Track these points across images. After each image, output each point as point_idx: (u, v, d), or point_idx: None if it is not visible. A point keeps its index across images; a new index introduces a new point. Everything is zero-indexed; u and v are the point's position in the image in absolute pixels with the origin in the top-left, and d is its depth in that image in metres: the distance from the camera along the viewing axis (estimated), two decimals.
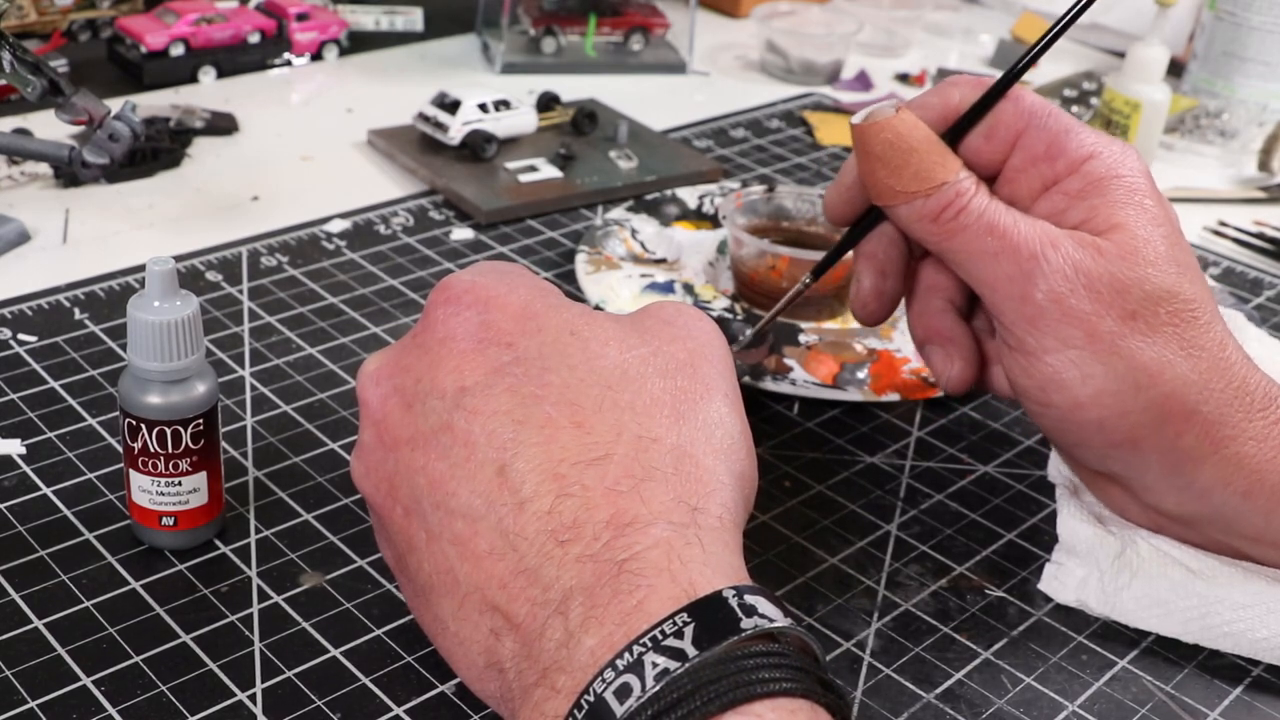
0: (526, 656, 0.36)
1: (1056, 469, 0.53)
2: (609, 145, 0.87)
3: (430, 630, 0.41)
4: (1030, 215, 0.47)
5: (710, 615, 0.33)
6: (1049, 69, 1.10)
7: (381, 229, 0.75)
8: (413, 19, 1.10)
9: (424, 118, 0.84)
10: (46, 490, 0.52)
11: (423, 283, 0.70)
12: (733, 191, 0.77)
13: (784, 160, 0.90)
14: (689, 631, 0.32)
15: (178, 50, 0.94)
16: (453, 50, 1.07)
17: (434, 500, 0.39)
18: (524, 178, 0.81)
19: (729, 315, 0.67)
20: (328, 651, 0.45)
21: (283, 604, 0.47)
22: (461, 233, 0.76)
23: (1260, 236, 0.83)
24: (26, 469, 0.53)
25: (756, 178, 0.87)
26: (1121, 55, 1.05)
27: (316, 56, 1.02)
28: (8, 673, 0.43)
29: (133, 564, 0.48)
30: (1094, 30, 1.20)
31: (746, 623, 0.33)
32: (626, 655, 0.32)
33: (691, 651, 0.32)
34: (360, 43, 1.05)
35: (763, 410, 0.61)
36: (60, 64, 0.93)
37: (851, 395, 0.61)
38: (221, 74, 0.96)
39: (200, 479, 0.48)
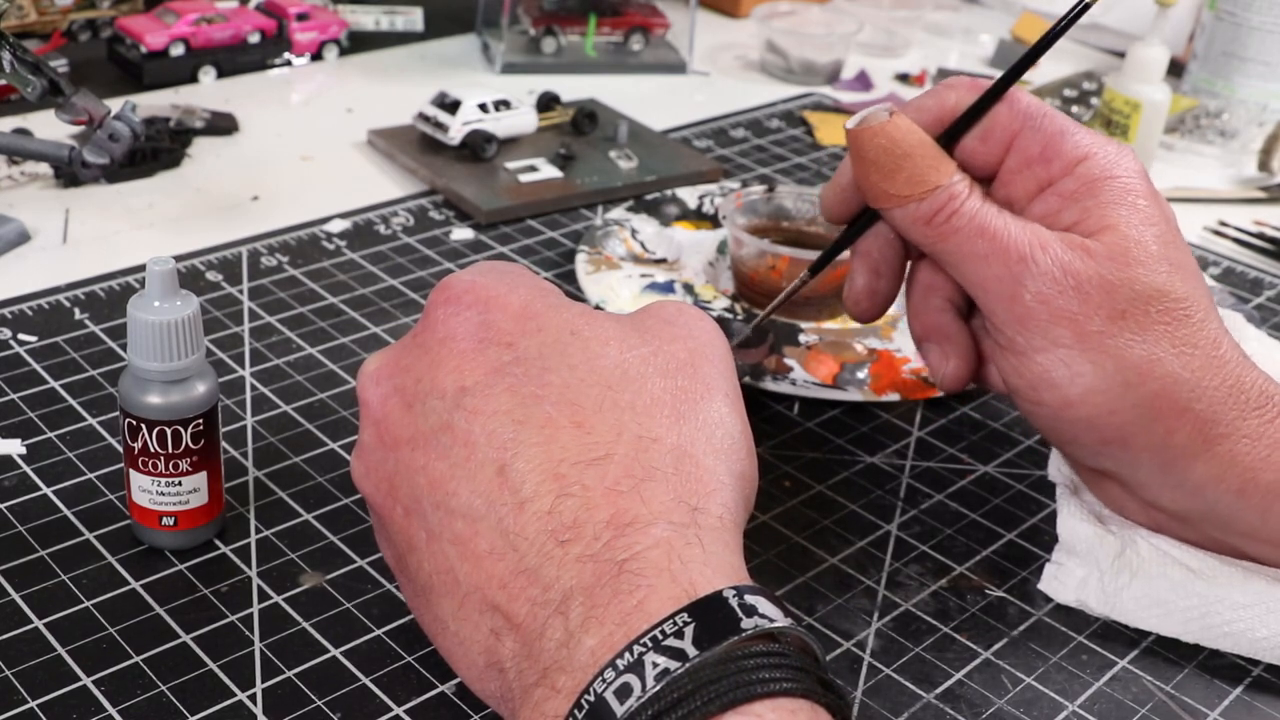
0: (527, 656, 0.36)
1: (1057, 468, 0.53)
2: (609, 145, 0.87)
3: (430, 630, 0.41)
4: (1025, 216, 0.48)
5: (710, 615, 0.33)
6: (1049, 69, 1.10)
7: (381, 229, 0.75)
8: (413, 19, 1.10)
9: (424, 118, 0.84)
10: (46, 490, 0.52)
11: (423, 283, 0.70)
12: (733, 191, 0.77)
13: (784, 160, 0.90)
14: (689, 631, 0.32)
15: (178, 50, 0.94)
16: (453, 50, 1.07)
17: (434, 500, 0.39)
18: (524, 178, 0.81)
19: (729, 315, 0.67)
20: (328, 651, 0.45)
21: (283, 604, 0.47)
22: (461, 233, 0.76)
23: (1260, 236, 0.83)
24: (26, 469, 0.53)
25: (756, 178, 0.87)
26: (1121, 55, 1.05)
27: (316, 56, 1.02)
28: (8, 673, 0.43)
29: (133, 564, 0.48)
30: (1094, 30, 1.20)
31: (747, 623, 0.33)
32: (627, 655, 0.32)
33: (692, 651, 0.32)
34: (360, 43, 1.05)
35: (763, 410, 0.61)
36: (60, 64, 0.93)
37: (851, 395, 0.61)
38: (221, 74, 0.96)
39: (200, 479, 0.48)
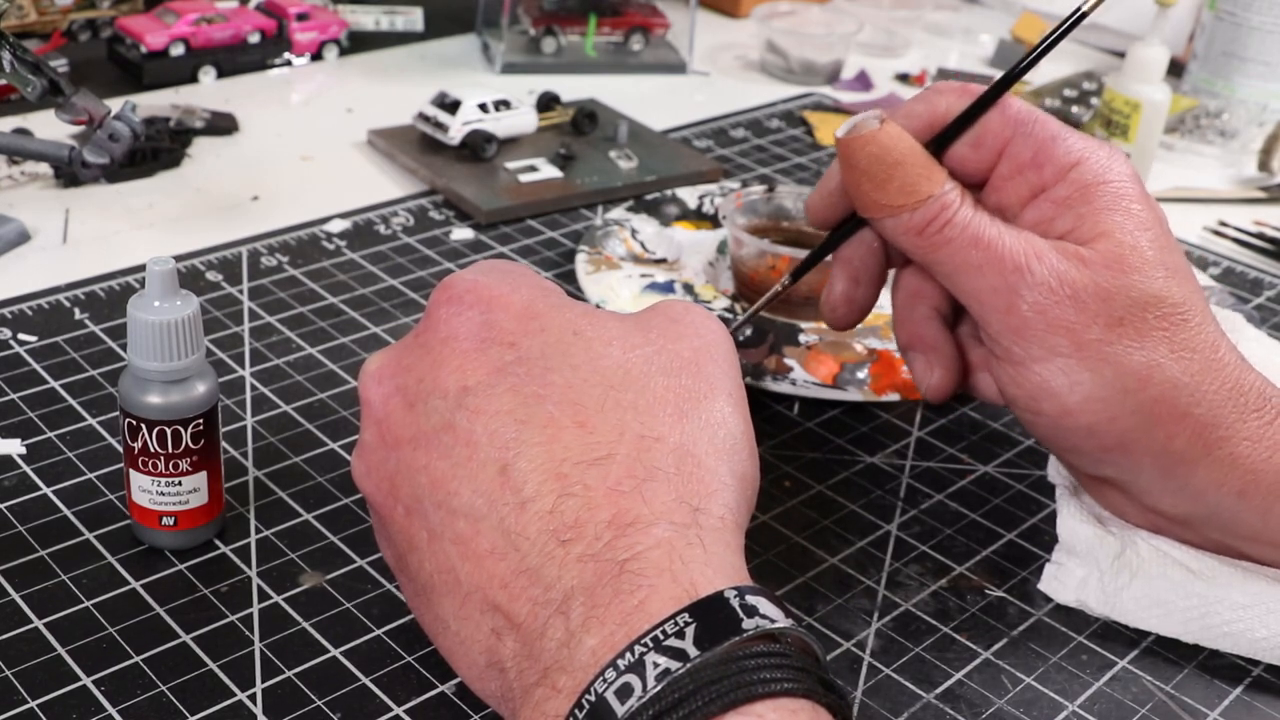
0: (527, 656, 0.36)
1: (1056, 469, 0.53)
2: (609, 145, 0.87)
3: (431, 630, 0.41)
4: (1018, 223, 0.47)
5: (711, 616, 0.33)
6: (1049, 69, 1.10)
7: (381, 229, 0.75)
8: (413, 19, 1.10)
9: (424, 118, 0.84)
10: (46, 490, 0.52)
11: (423, 283, 0.70)
12: (733, 191, 0.77)
13: (784, 160, 0.90)
14: (690, 632, 0.32)
15: (178, 50, 0.94)
16: (453, 50, 1.07)
17: (435, 500, 0.39)
18: (524, 178, 0.81)
19: (729, 315, 0.67)
20: (328, 651, 0.45)
21: (283, 604, 0.47)
22: (461, 233, 0.76)
23: (1260, 236, 0.83)
24: (26, 469, 0.53)
25: (756, 178, 0.87)
26: (1121, 55, 1.05)
27: (316, 56, 1.02)
28: (8, 673, 0.43)
29: (133, 564, 0.48)
30: (1094, 30, 1.20)
31: (748, 623, 0.33)
32: (628, 655, 0.32)
33: (693, 652, 0.32)
34: (360, 43, 1.05)
35: (763, 410, 0.61)
36: (60, 64, 0.93)
37: (851, 395, 0.61)
38: (221, 74, 0.96)
39: (200, 479, 0.48)
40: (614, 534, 0.36)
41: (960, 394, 0.60)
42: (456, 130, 0.82)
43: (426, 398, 0.40)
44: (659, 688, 0.32)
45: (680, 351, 0.41)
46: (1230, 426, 0.46)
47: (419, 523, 0.40)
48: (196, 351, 0.46)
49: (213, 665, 0.44)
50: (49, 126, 0.80)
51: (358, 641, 0.46)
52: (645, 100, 0.98)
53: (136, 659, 0.44)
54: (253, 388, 0.60)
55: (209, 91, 0.94)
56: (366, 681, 0.44)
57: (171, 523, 0.48)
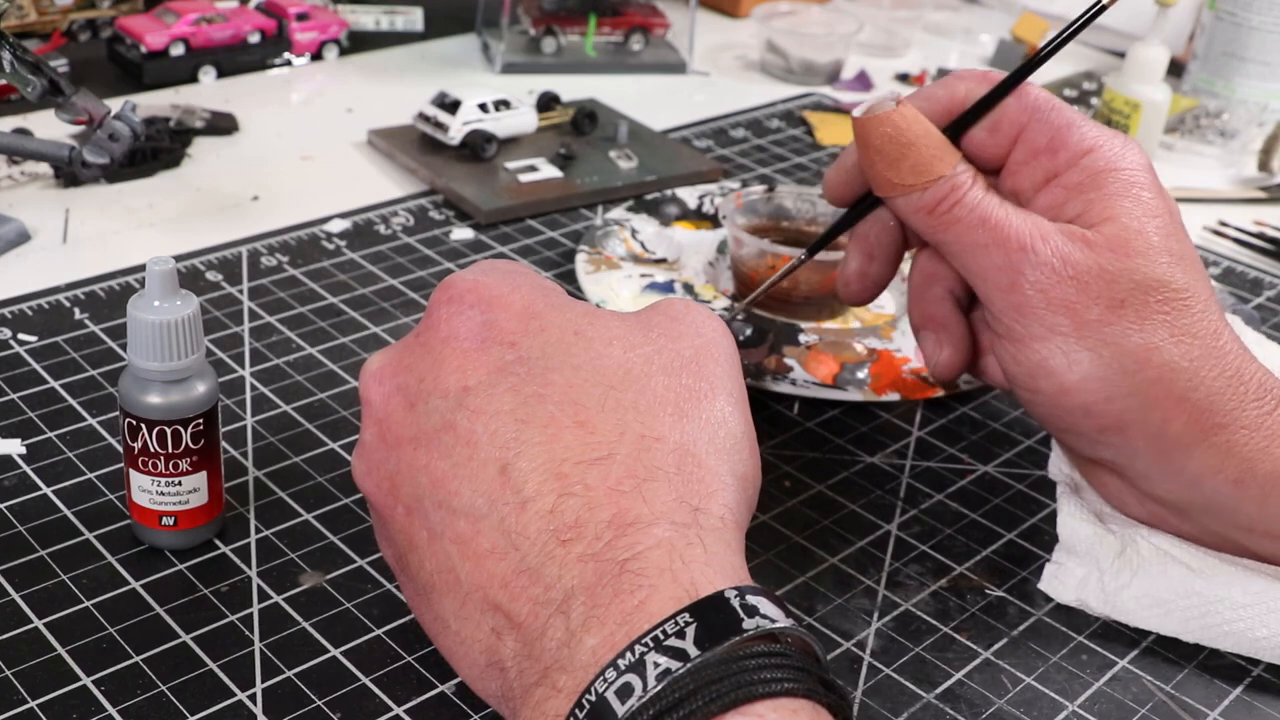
0: (528, 656, 0.36)
1: (1057, 467, 0.53)
2: (609, 145, 0.87)
3: (431, 629, 0.41)
4: (1031, 208, 0.48)
5: (712, 615, 0.33)
6: (1049, 69, 1.09)
7: (381, 229, 0.75)
8: (413, 19, 1.10)
9: (424, 118, 0.84)
10: (46, 490, 0.52)
11: (423, 283, 0.70)
12: (733, 191, 0.77)
13: (784, 160, 0.90)
14: (691, 632, 0.32)
15: (178, 50, 0.94)
16: (453, 50, 1.07)
17: (436, 499, 0.39)
18: (524, 178, 0.81)
19: (728, 315, 0.67)
20: (328, 651, 0.45)
21: (283, 604, 0.47)
22: (461, 233, 0.76)
23: (1260, 236, 0.83)
24: (26, 469, 0.53)
25: (756, 178, 0.87)
26: (1121, 55, 1.05)
27: (316, 56, 1.02)
28: (8, 673, 0.43)
29: (133, 564, 0.48)
30: (1094, 30, 1.20)
31: (748, 623, 0.33)
32: (628, 655, 0.32)
33: (693, 652, 0.32)
34: (360, 43, 1.05)
35: (763, 410, 0.61)
36: (60, 64, 0.93)
37: (851, 395, 0.61)
38: (221, 74, 0.96)
39: (200, 479, 0.48)
40: (614, 534, 0.36)
41: (960, 394, 0.60)
42: (456, 130, 0.82)
43: (427, 397, 0.40)
44: (659, 687, 0.31)
45: (681, 351, 0.41)
46: (1228, 414, 0.46)
47: (419, 522, 0.40)
48: (196, 351, 0.46)
49: (213, 665, 0.44)
50: (49, 126, 0.80)
51: (358, 641, 0.45)
52: (645, 100, 0.98)
53: (136, 659, 0.44)
54: (253, 388, 0.59)
55: (209, 91, 0.94)
56: (366, 681, 0.44)
57: (171, 523, 0.48)
